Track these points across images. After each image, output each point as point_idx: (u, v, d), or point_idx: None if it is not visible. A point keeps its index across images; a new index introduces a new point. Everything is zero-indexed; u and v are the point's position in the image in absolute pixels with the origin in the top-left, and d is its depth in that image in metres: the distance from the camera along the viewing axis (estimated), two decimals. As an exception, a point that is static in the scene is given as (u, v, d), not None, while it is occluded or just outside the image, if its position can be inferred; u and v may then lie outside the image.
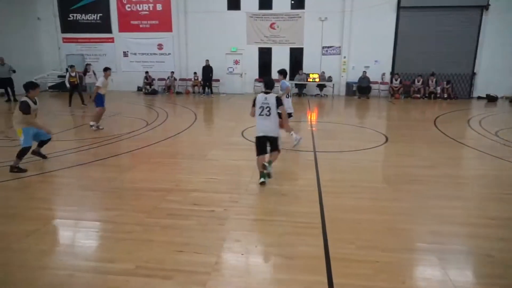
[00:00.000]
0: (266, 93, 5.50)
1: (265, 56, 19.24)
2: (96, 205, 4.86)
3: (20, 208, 4.71)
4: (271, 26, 18.83)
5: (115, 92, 18.11)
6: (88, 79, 15.64)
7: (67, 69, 15.51)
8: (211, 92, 18.56)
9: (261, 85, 18.51)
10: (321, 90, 18.80)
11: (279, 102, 5.43)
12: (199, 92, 19.03)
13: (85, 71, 15.87)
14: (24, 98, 6.19)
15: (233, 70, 19.42)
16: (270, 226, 4.21)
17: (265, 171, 5.47)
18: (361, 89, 17.98)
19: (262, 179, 5.52)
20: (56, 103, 16.22)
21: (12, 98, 15.85)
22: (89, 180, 5.76)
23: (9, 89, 15.90)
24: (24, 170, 6.14)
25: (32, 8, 19.67)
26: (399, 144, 8.22)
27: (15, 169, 6.10)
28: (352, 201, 4.97)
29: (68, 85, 14.70)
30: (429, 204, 4.89)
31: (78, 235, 4.06)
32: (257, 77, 19.45)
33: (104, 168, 6.39)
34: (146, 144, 8.04)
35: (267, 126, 5.46)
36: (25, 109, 6.10)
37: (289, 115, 7.80)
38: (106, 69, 9.83)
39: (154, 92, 19.08)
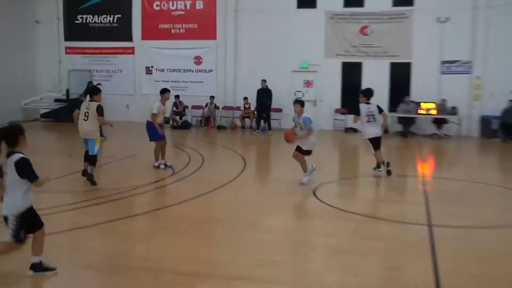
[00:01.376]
0: (367, 103, 10.20)
1: (351, 74, 19.30)
2: (93, 292, 4.89)
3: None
4: (362, 31, 18.99)
5: (131, 124, 18.67)
6: None
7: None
8: (269, 128, 18.74)
9: (345, 118, 18.58)
10: (439, 127, 18.31)
11: (380, 109, 10.30)
12: (251, 127, 19.31)
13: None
14: (94, 103, 9.05)
15: (303, 95, 19.52)
16: None
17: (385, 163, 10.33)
18: (506, 128, 17.23)
19: (388, 168, 10.25)
20: (50, 137, 17.15)
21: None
22: (88, 253, 5.88)
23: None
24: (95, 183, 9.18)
25: (30, 7, 21.67)
26: None
27: (91, 177, 9.24)
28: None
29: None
30: None
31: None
32: (338, 106, 19.40)
33: (108, 235, 6.52)
34: (171, 203, 8.14)
35: (374, 130, 10.13)
36: (102, 112, 9.08)
37: (309, 152, 9.61)
38: (164, 91, 11.13)
39: (186, 126, 19.67)
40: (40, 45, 22.13)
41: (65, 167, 11.24)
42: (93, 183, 9.15)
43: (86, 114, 9.03)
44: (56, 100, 21.09)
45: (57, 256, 5.70)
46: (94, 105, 9.01)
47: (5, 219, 4.85)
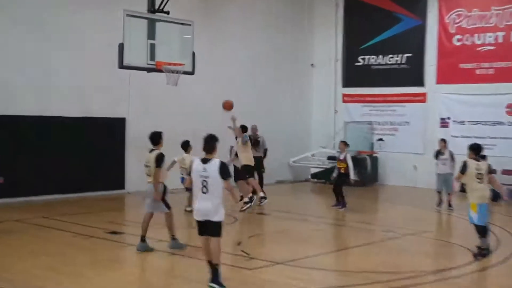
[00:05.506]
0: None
1: None
2: None
3: None
4: None
5: (417, 191, 18.76)
6: None
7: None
8: None
9: None
10: None
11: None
12: None
13: None
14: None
15: None
16: None
17: None
18: None
19: None
20: (318, 202, 16.87)
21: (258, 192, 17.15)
22: None
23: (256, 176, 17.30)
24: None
25: (307, 49, 22.86)
26: None
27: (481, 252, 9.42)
28: None
29: (334, 174, 15.64)
30: None
31: None
32: None
33: None
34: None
35: None
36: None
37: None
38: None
39: (495, 197, 17.76)
40: (315, 93, 23.11)
41: (336, 240, 12.06)
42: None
43: None
44: (329, 158, 21.26)
45: None
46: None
47: None
